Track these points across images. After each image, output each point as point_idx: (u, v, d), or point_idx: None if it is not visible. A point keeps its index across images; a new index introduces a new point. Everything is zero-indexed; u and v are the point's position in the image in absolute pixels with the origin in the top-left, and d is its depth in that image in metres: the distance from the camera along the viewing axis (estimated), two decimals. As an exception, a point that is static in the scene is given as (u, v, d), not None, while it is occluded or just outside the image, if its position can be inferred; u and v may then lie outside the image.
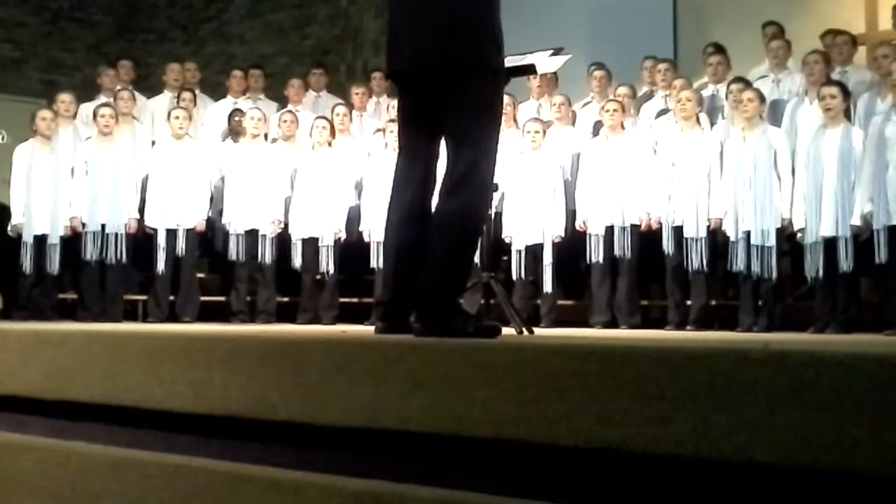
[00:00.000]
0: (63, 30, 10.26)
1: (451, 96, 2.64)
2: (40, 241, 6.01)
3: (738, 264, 5.25)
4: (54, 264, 6.01)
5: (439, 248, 2.63)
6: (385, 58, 2.85)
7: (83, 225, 6.08)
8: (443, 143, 2.76)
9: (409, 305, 2.81)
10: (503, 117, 6.37)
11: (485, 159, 2.67)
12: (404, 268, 2.77)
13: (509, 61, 3.82)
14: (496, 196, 5.26)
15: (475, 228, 2.71)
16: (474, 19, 2.66)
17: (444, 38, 2.64)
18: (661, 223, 5.61)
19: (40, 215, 6.02)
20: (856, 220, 4.90)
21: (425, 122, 2.76)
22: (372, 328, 2.99)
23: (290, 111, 6.97)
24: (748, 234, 5.24)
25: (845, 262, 4.89)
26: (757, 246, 5.20)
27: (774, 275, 5.16)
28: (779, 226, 5.22)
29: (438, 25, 2.64)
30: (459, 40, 2.63)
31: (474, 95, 2.64)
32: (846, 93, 5.10)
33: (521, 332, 3.84)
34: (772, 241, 5.18)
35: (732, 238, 5.30)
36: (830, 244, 4.96)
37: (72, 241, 6.11)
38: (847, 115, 5.17)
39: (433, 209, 2.73)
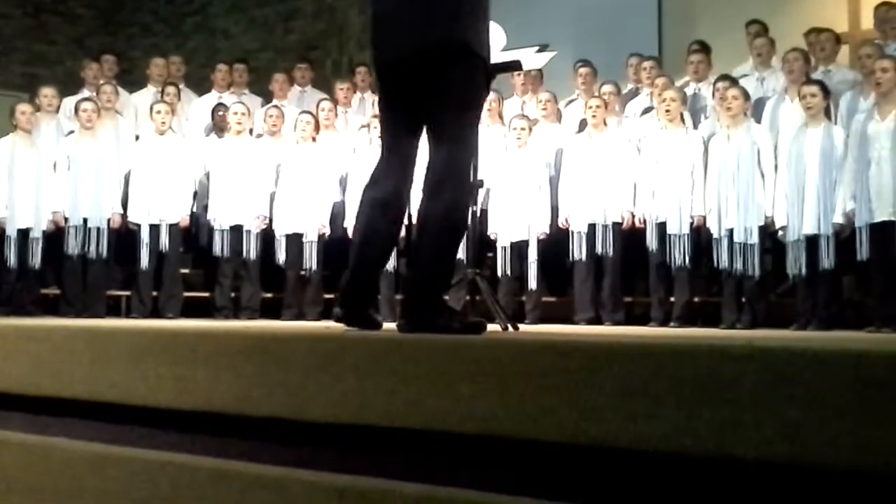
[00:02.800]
0: (45, 23, 10.17)
1: (432, 82, 2.62)
2: (23, 235, 5.97)
3: (722, 261, 5.28)
4: (36, 259, 5.97)
5: (424, 246, 2.63)
6: (371, 51, 2.85)
7: (65, 220, 6.04)
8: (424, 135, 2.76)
9: (368, 295, 2.81)
10: (488, 113, 6.42)
11: (465, 154, 2.66)
12: (368, 257, 2.75)
13: (496, 57, 3.84)
14: (482, 193, 5.26)
15: (459, 226, 2.69)
16: (463, 6, 2.64)
17: (426, 20, 2.62)
18: (644, 220, 5.63)
19: (22, 210, 5.97)
20: (838, 218, 4.94)
21: (405, 114, 2.74)
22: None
23: (275, 106, 6.94)
24: (731, 231, 5.27)
25: (827, 260, 4.93)
26: (740, 243, 5.23)
27: (757, 272, 5.20)
28: (762, 223, 5.25)
29: (420, 9, 2.62)
30: (440, 22, 2.62)
31: (455, 81, 2.61)
32: (826, 92, 5.15)
33: (505, 329, 3.84)
34: (755, 238, 5.21)
35: (716, 235, 5.33)
36: (812, 242, 5.00)
37: (54, 236, 6.07)
38: (827, 113, 5.21)
39: (416, 206, 2.72)
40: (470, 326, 2.58)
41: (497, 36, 3.79)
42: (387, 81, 2.79)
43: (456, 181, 2.62)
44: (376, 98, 3.11)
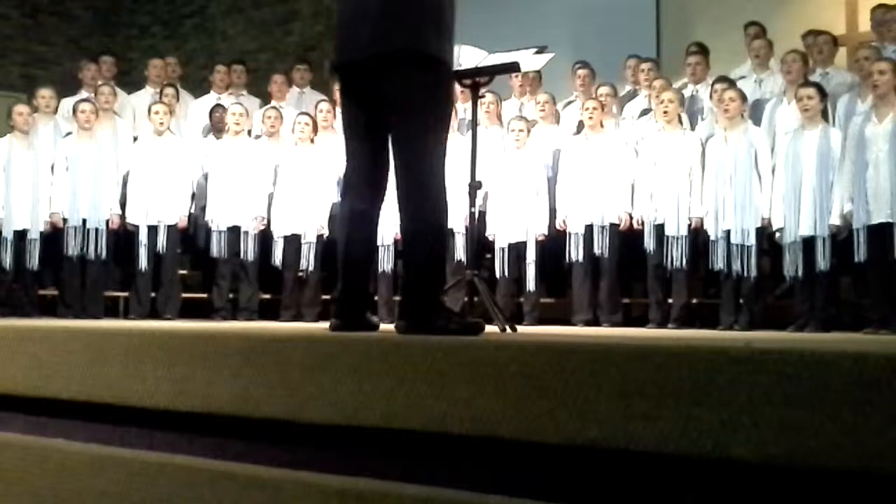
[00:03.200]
0: (43, 24, 10.16)
1: (394, 91, 2.62)
2: (20, 236, 5.96)
3: (719, 263, 5.28)
4: (34, 260, 5.97)
5: (409, 255, 2.67)
6: (333, 52, 2.85)
7: (64, 221, 6.04)
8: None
9: (361, 300, 2.82)
10: (486, 115, 6.41)
11: (428, 163, 2.65)
12: (355, 265, 2.77)
13: (493, 59, 3.84)
14: (480, 194, 5.27)
15: (438, 230, 2.70)
16: (417, 7, 2.63)
17: (389, 27, 2.62)
18: (642, 222, 5.64)
19: (20, 211, 5.96)
20: (835, 220, 4.95)
21: (366, 119, 2.74)
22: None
23: (274, 107, 6.94)
24: (728, 232, 5.27)
25: (824, 262, 4.94)
26: (737, 245, 5.24)
27: (754, 273, 5.20)
28: (759, 225, 5.26)
29: (381, 15, 2.62)
30: (403, 30, 2.61)
31: (417, 88, 2.61)
32: (823, 94, 5.15)
33: (503, 330, 3.85)
34: (752, 240, 5.22)
35: (713, 237, 5.34)
36: (809, 243, 5.01)
37: (52, 237, 6.07)
38: (825, 115, 5.22)
39: (385, 213, 2.76)
40: (468, 327, 2.58)
41: (473, 53, 3.79)
42: (346, 85, 2.80)
43: (428, 189, 2.63)
44: None
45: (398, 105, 2.64)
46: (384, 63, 2.63)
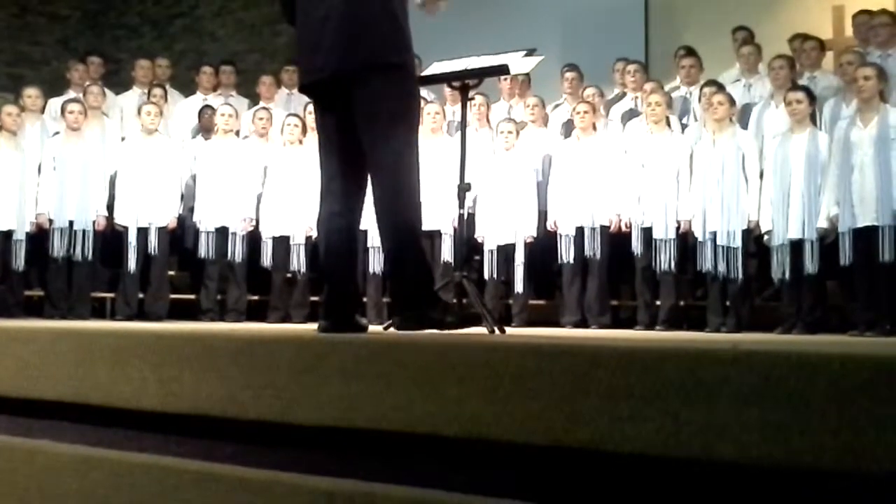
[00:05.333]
0: (31, 23, 10.10)
1: (360, 100, 2.68)
2: (6, 237, 5.93)
3: (706, 265, 5.31)
4: (20, 261, 5.93)
5: (388, 252, 2.71)
6: (297, 73, 2.89)
7: (50, 221, 6.01)
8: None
9: (349, 302, 2.84)
10: (476, 117, 6.42)
11: (403, 156, 2.69)
12: (338, 270, 2.80)
13: (482, 61, 3.85)
14: (469, 196, 5.27)
15: (412, 228, 2.73)
16: (378, 18, 2.68)
17: (343, 40, 2.66)
18: (630, 224, 5.66)
19: (6, 211, 5.93)
20: (822, 223, 4.98)
21: (340, 128, 2.78)
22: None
23: (264, 108, 6.92)
24: (715, 234, 5.30)
25: (811, 265, 4.96)
26: (723, 246, 5.26)
27: (740, 275, 5.23)
28: (745, 227, 5.28)
29: (343, 29, 2.66)
30: (357, 39, 2.66)
31: (383, 95, 2.67)
32: (812, 98, 5.18)
33: (492, 332, 3.84)
34: (738, 242, 5.24)
35: (700, 239, 5.36)
36: (797, 246, 5.04)
37: (38, 238, 6.03)
38: (813, 119, 5.25)
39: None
40: (464, 319, 2.59)
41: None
42: (315, 102, 2.86)
43: (398, 191, 2.67)
44: None
45: (366, 114, 2.69)
46: (348, 77, 2.68)
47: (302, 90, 2.93)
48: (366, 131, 2.70)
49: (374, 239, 5.99)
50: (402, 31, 2.72)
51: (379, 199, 2.71)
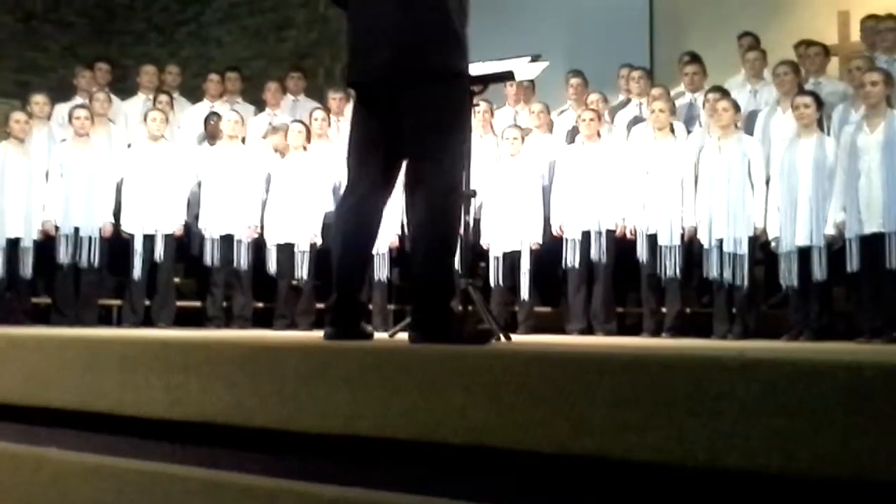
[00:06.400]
0: (37, 30, 10.14)
1: (416, 104, 2.63)
2: (13, 244, 5.94)
3: (713, 272, 5.29)
4: (27, 268, 5.94)
5: (419, 260, 2.63)
6: (346, 68, 2.83)
7: (56, 228, 6.02)
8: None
9: (355, 309, 2.81)
10: (480, 124, 6.42)
11: (453, 166, 2.67)
12: (350, 276, 2.77)
13: (487, 67, 3.85)
14: (474, 203, 5.28)
15: (450, 235, 2.69)
16: (437, 23, 2.64)
17: (409, 44, 2.62)
18: (635, 231, 5.65)
19: (13, 218, 5.94)
20: (829, 230, 4.96)
21: (384, 131, 2.73)
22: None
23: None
24: (721, 241, 5.29)
25: (818, 271, 4.94)
26: (729, 253, 5.25)
27: (746, 282, 5.21)
28: (751, 234, 5.27)
29: (402, 32, 2.62)
30: (424, 46, 2.62)
31: (441, 102, 2.63)
32: (819, 102, 5.17)
33: (498, 339, 3.84)
34: (744, 248, 5.23)
35: (706, 245, 5.35)
36: (804, 253, 5.02)
37: (45, 245, 6.04)
38: (820, 124, 5.24)
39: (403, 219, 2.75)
40: (480, 335, 2.58)
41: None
42: (365, 100, 2.78)
43: (444, 193, 2.63)
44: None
45: (420, 120, 2.63)
46: (406, 80, 2.63)
47: (351, 86, 2.83)
48: (418, 139, 2.64)
49: (380, 246, 6.00)
50: (461, 39, 2.68)
51: (421, 210, 2.63)
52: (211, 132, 6.92)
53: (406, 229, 5.84)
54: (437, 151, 2.62)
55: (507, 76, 3.97)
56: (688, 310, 5.69)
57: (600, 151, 5.88)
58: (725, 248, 5.26)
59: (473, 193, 3.94)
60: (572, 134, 6.19)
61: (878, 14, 5.93)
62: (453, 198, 2.68)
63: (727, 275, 5.23)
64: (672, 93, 6.29)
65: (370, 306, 6.05)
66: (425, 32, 2.63)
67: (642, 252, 5.59)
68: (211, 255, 6.21)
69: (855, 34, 6.38)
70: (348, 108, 7.39)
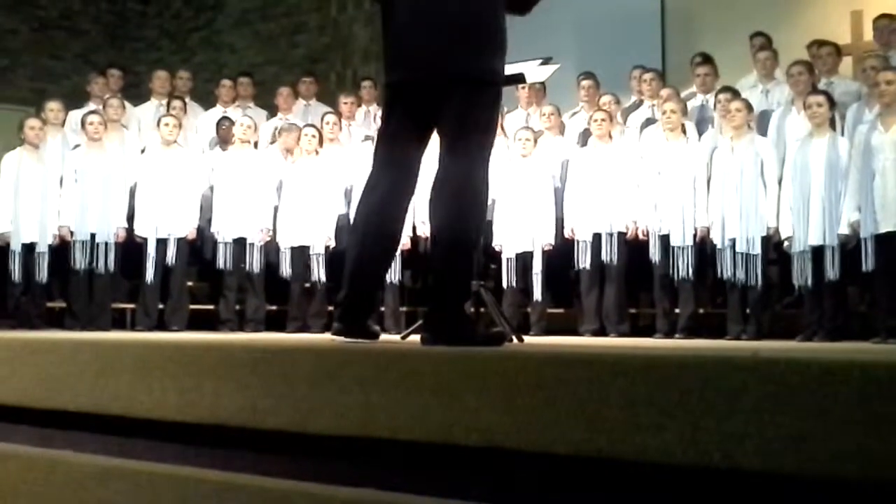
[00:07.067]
0: (52, 38, 10.23)
1: (452, 105, 2.62)
2: (28, 249, 5.98)
3: (726, 272, 5.27)
4: (43, 273, 5.98)
5: (437, 260, 2.64)
6: (385, 64, 2.80)
7: (71, 234, 6.06)
8: (429, 152, 2.76)
9: (366, 308, 2.81)
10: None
11: (479, 169, 2.67)
12: (365, 272, 2.76)
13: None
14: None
15: (470, 238, 2.68)
16: (486, 29, 2.64)
17: (457, 47, 2.61)
18: (647, 232, 5.63)
19: (28, 224, 5.99)
20: (843, 229, 4.93)
21: (416, 131, 2.74)
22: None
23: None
24: (734, 241, 5.26)
25: (832, 271, 4.92)
26: (742, 253, 5.23)
27: (759, 282, 5.19)
28: (764, 234, 5.24)
29: (451, 34, 2.61)
30: (472, 51, 2.62)
31: (478, 106, 2.64)
32: (832, 102, 5.15)
33: (510, 341, 3.84)
34: (757, 248, 5.21)
35: (719, 246, 5.33)
36: (818, 253, 4.99)
37: (60, 250, 6.08)
38: (832, 124, 5.21)
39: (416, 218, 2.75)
40: (493, 338, 2.58)
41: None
42: (402, 99, 2.76)
43: (468, 195, 2.63)
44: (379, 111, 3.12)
45: (454, 122, 2.64)
46: (447, 82, 2.63)
47: (392, 85, 2.82)
48: (448, 140, 2.65)
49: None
50: (505, 42, 2.69)
51: (443, 211, 2.64)
52: (223, 137, 6.95)
53: (417, 231, 5.90)
54: (469, 153, 2.63)
55: (518, 79, 3.97)
56: (701, 310, 5.67)
57: (612, 153, 5.87)
58: (738, 248, 5.24)
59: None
60: (584, 136, 6.19)
61: (891, 13, 5.90)
62: (479, 200, 2.67)
63: (740, 275, 5.21)
64: (684, 94, 6.27)
65: (382, 308, 6.06)
66: (479, 38, 2.63)
67: (655, 253, 5.57)
68: (224, 259, 6.24)
69: (868, 34, 6.34)
70: (360, 113, 7.43)
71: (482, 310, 4.36)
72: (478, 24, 2.63)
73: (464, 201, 2.61)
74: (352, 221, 2.80)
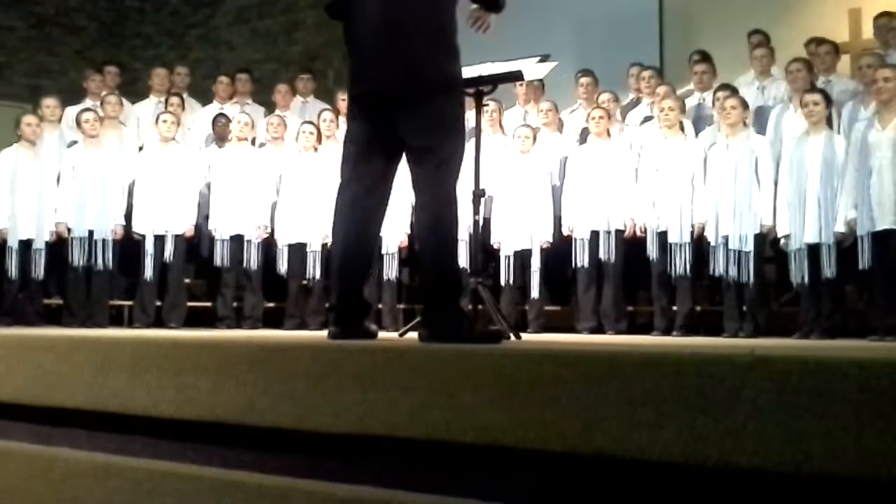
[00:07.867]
0: (49, 35, 10.21)
1: (417, 115, 2.71)
2: (25, 246, 5.98)
3: (720, 269, 5.28)
4: (40, 270, 5.98)
5: (424, 262, 2.72)
6: (350, 82, 2.88)
7: (69, 230, 6.05)
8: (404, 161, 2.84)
9: (359, 308, 2.86)
10: (489, 123, 6.43)
11: (451, 174, 2.75)
12: (351, 273, 2.83)
13: (496, 68, 3.86)
14: (484, 202, 5.28)
15: (450, 236, 2.75)
16: (438, 37, 2.74)
17: (413, 57, 2.71)
18: (645, 229, 5.64)
19: (25, 220, 5.98)
20: (839, 227, 4.93)
21: (384, 142, 2.80)
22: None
23: (278, 115, 6.96)
24: (727, 238, 5.27)
25: (829, 269, 4.92)
26: (735, 250, 5.23)
27: (752, 279, 5.19)
28: (757, 231, 5.24)
29: (405, 47, 2.70)
30: (427, 60, 2.72)
31: (441, 112, 2.72)
32: (829, 100, 5.15)
33: (508, 338, 3.84)
34: (749, 245, 5.20)
35: (713, 243, 5.33)
36: (815, 251, 5.00)
37: (57, 247, 6.08)
38: (829, 122, 5.22)
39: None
40: (491, 335, 2.60)
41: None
42: (367, 111, 2.84)
43: (443, 198, 2.71)
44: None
45: (422, 128, 2.72)
46: (410, 91, 2.71)
47: (356, 99, 2.90)
48: (419, 146, 2.73)
49: (389, 245, 6.02)
50: (457, 49, 2.79)
51: (424, 214, 2.74)
52: (219, 133, 6.94)
53: (413, 230, 5.90)
54: (437, 155, 2.71)
55: (516, 76, 3.97)
56: (698, 308, 5.67)
57: (610, 150, 5.87)
58: (731, 245, 5.24)
59: (483, 193, 3.94)
60: (583, 134, 6.19)
61: (890, 11, 5.91)
62: (451, 199, 2.74)
63: (733, 272, 5.22)
64: (681, 91, 6.27)
65: (380, 306, 6.06)
66: (427, 46, 2.72)
67: (653, 250, 5.57)
68: (221, 256, 6.23)
69: (866, 32, 6.35)
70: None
71: (480, 307, 4.36)
72: (429, 36, 2.72)
73: (440, 202, 2.69)
74: (331, 228, 2.86)
